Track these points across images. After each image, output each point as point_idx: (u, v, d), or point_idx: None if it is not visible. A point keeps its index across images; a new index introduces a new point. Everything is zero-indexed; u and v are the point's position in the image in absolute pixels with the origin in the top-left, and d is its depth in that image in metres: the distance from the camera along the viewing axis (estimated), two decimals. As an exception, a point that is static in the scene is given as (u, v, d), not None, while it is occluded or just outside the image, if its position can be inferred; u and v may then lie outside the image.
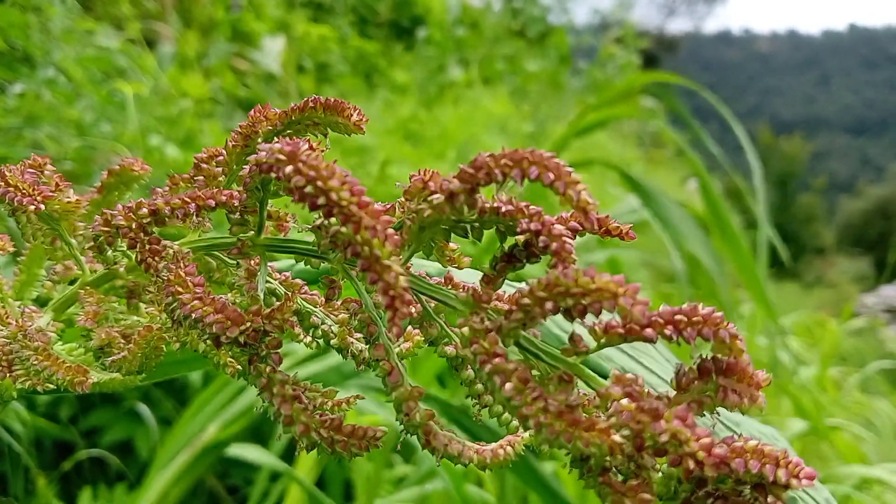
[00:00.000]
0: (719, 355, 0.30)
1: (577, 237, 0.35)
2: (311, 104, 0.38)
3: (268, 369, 0.34)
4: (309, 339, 0.39)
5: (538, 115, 4.87)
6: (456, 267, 0.38)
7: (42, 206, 0.38)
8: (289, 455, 1.61)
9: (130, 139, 2.23)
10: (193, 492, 1.99)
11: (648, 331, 0.30)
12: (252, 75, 3.89)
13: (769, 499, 0.27)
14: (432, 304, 0.35)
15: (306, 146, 0.30)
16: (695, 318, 0.29)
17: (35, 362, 0.38)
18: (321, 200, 0.29)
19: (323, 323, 0.38)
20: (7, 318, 0.41)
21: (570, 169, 0.32)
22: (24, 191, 0.38)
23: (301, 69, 4.53)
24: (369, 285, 0.28)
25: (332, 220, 0.29)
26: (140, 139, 2.23)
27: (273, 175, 0.30)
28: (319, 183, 0.29)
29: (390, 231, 0.29)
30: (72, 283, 0.45)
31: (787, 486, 0.27)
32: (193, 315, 0.32)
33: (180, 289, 0.33)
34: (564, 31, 7.94)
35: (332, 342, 0.38)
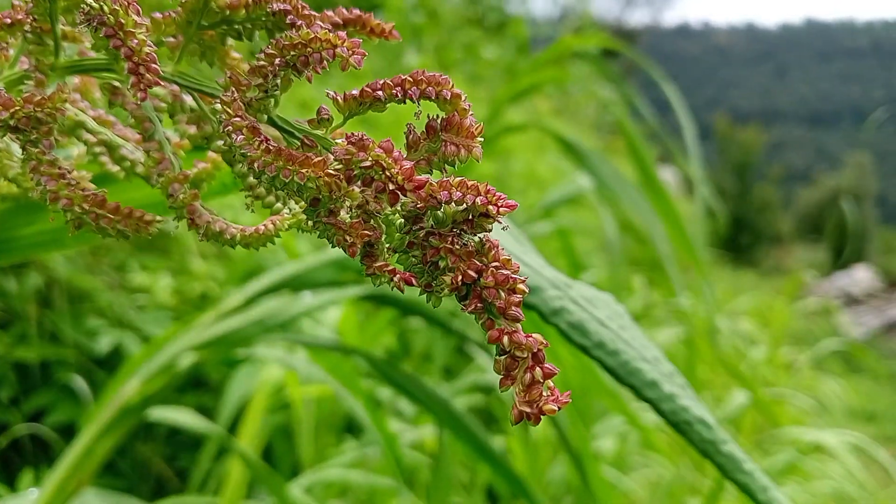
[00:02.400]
0: (445, 115, 0.32)
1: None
2: None
3: (37, 152, 0.35)
4: (117, 168, 0.39)
5: (494, 101, 4.88)
6: (238, 73, 0.39)
7: None
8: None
9: None
10: (141, 475, 1.97)
11: (378, 93, 0.32)
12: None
13: (477, 231, 0.29)
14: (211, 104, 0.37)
15: None
16: (419, 79, 0.31)
17: None
18: None
19: (133, 154, 0.39)
20: None
21: None
22: None
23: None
24: (112, 51, 0.29)
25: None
26: None
27: None
28: None
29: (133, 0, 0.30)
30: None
31: (487, 215, 0.29)
32: None
33: None
34: (522, 21, 7.97)
35: (138, 170, 0.38)
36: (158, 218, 0.34)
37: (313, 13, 0.34)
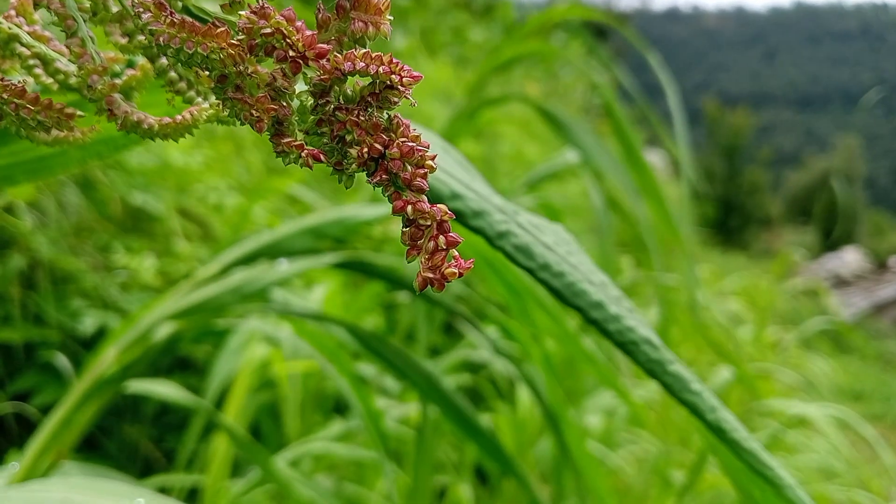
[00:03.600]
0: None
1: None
2: None
3: None
4: (50, 80, 0.39)
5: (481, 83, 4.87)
6: None
7: None
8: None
9: None
10: (128, 456, 1.97)
11: None
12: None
13: (383, 105, 0.29)
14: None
15: None
16: None
17: None
18: None
19: (66, 66, 0.38)
20: None
21: None
22: None
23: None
24: None
25: None
26: None
27: None
28: None
29: None
30: None
31: (392, 86, 0.28)
32: None
33: None
34: (509, 5, 7.95)
35: (72, 81, 0.38)
36: (79, 113, 0.34)
37: None
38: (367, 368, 1.78)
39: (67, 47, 0.34)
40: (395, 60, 0.28)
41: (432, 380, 1.09)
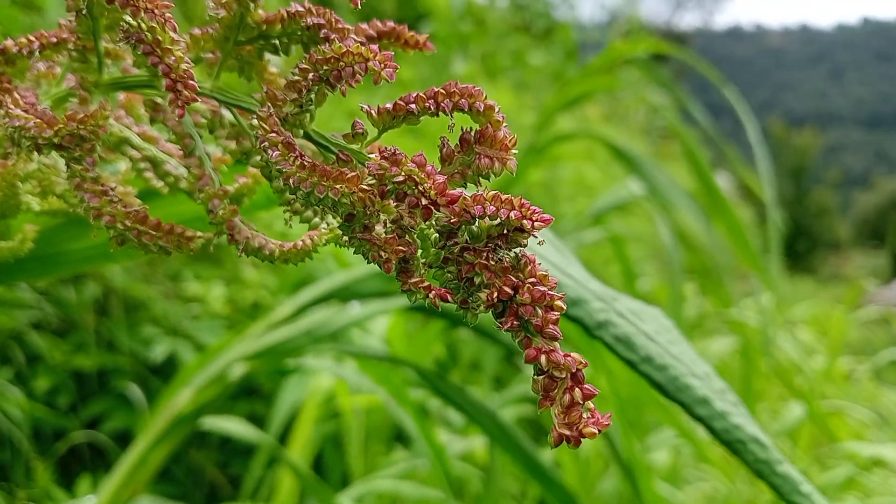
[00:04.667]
0: (479, 128, 0.32)
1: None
2: None
3: (80, 169, 0.35)
4: (161, 184, 0.39)
5: (542, 108, 4.86)
6: (275, 88, 0.39)
7: None
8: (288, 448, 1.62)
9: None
10: (194, 482, 2.00)
11: (412, 106, 0.32)
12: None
13: (512, 246, 0.29)
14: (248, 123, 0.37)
15: None
16: (452, 91, 0.31)
17: None
18: None
19: (177, 169, 0.39)
20: None
21: None
22: None
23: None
24: (151, 68, 0.29)
25: (126, 16, 0.31)
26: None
27: None
28: None
29: (169, 16, 0.30)
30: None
31: (521, 229, 0.28)
32: (18, 124, 0.33)
33: (11, 105, 0.34)
34: (569, 27, 7.92)
35: (181, 185, 0.39)
36: (199, 234, 0.35)
37: (347, 26, 0.35)
38: (432, 400, 1.77)
39: (186, 168, 0.35)
40: (524, 203, 0.28)
41: (495, 419, 1.08)
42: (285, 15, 0.36)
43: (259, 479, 1.66)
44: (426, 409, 1.74)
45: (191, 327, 1.94)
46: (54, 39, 0.37)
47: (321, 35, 0.34)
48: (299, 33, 0.36)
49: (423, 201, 0.29)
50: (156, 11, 0.30)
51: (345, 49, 0.31)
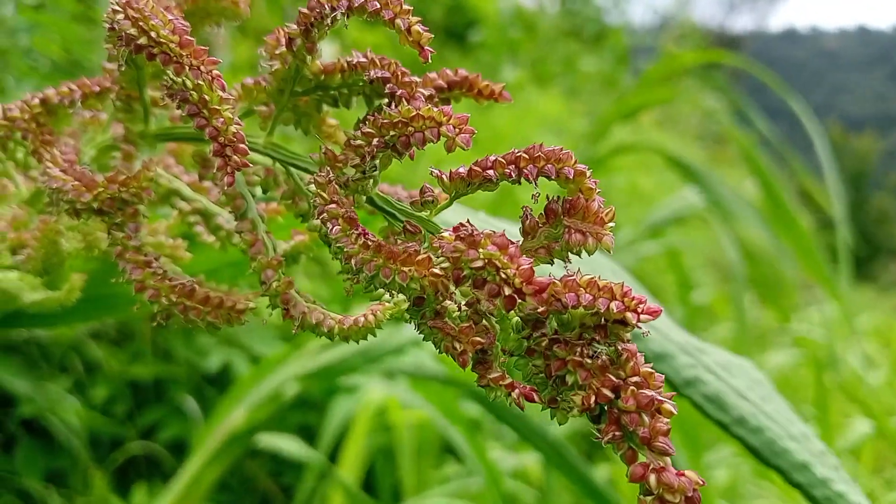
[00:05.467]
0: (568, 197, 0.28)
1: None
2: None
3: (122, 236, 0.33)
4: (212, 239, 0.38)
5: (593, 114, 4.81)
6: (333, 143, 0.36)
7: None
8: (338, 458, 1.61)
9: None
10: (247, 491, 2.01)
11: (489, 172, 0.29)
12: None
13: (611, 340, 0.25)
14: (306, 181, 0.34)
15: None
16: (536, 155, 0.28)
17: None
18: (143, 41, 0.29)
19: (228, 223, 0.37)
20: None
21: (400, 0, 0.31)
22: None
23: (355, 76, 4.56)
24: (198, 130, 0.27)
25: (169, 72, 0.29)
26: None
27: (109, 27, 0.30)
28: (142, 23, 0.29)
29: (216, 73, 0.28)
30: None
31: (624, 322, 0.24)
32: (56, 186, 0.32)
33: (51, 164, 0.32)
34: (621, 31, 7.83)
35: (234, 241, 0.37)
36: (251, 304, 0.33)
37: (414, 79, 0.32)
38: (484, 414, 1.75)
39: (238, 232, 0.33)
40: (627, 291, 0.24)
41: (547, 437, 1.05)
42: (345, 65, 0.33)
43: (312, 489, 1.66)
44: (478, 423, 1.71)
45: (245, 337, 1.96)
46: (97, 88, 0.35)
47: (386, 90, 0.32)
48: (360, 84, 0.34)
49: (507, 290, 0.25)
50: (202, 69, 0.28)
51: (414, 113, 0.28)
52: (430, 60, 0.32)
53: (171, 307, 0.32)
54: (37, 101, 0.35)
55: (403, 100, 0.31)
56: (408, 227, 0.30)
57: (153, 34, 0.28)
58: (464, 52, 6.20)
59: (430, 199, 0.30)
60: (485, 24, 6.55)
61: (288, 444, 1.08)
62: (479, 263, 0.25)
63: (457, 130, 0.27)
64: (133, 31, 0.28)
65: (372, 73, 0.32)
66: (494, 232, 0.27)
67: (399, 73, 0.32)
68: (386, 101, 0.33)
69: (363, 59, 0.33)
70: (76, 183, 0.31)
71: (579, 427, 2.05)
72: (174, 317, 0.32)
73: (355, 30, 4.77)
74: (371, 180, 0.31)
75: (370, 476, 1.88)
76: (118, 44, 0.29)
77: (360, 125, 0.32)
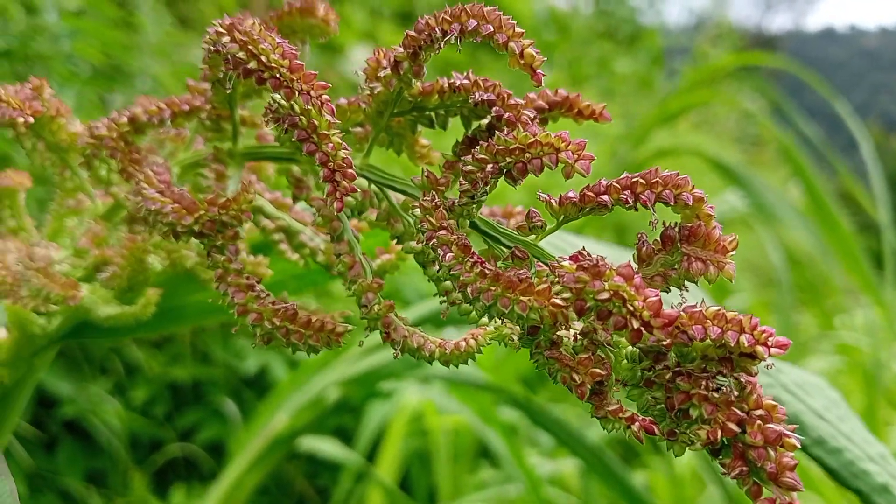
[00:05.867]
0: (685, 223, 0.27)
1: (550, 120, 0.33)
2: (287, 10, 0.38)
3: (223, 259, 0.33)
4: (296, 256, 0.37)
5: (629, 116, 4.76)
6: (426, 163, 0.36)
7: (31, 120, 0.38)
8: (374, 461, 1.61)
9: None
10: (284, 493, 2.02)
11: (604, 197, 0.28)
12: (341, 86, 3.96)
13: (737, 373, 0.24)
14: (400, 201, 0.34)
15: (249, 19, 0.30)
16: (653, 181, 0.27)
17: (35, 281, 0.38)
18: (252, 65, 0.29)
19: (311, 240, 0.37)
20: (21, 248, 0.41)
21: (513, 22, 0.30)
22: (15, 104, 0.38)
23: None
24: (308, 158, 0.27)
25: (276, 95, 0.28)
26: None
27: (213, 49, 0.30)
28: (251, 47, 0.29)
29: (325, 97, 0.28)
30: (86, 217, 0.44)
31: (753, 356, 0.23)
32: (153, 207, 0.31)
33: (145, 185, 0.32)
34: (656, 32, 7.76)
35: (318, 259, 0.37)
36: (348, 327, 0.32)
37: (518, 101, 0.31)
38: (520, 418, 1.74)
39: (337, 255, 0.33)
40: (754, 323, 0.23)
41: (584, 442, 1.04)
42: (445, 87, 0.33)
43: (348, 491, 1.66)
44: (515, 428, 1.70)
45: (281, 339, 1.97)
46: (186, 108, 0.35)
47: (493, 113, 0.31)
48: (459, 105, 0.33)
49: (634, 323, 0.24)
50: (311, 94, 0.28)
51: (532, 139, 0.27)
52: (542, 84, 0.31)
53: (273, 331, 0.31)
54: (125, 119, 0.35)
55: (518, 125, 0.30)
56: (516, 253, 0.29)
57: (263, 58, 0.28)
58: (498, 55, 6.19)
59: (538, 224, 0.30)
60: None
61: (329, 448, 1.08)
62: (606, 296, 0.24)
63: (575, 156, 0.26)
64: (242, 54, 0.28)
65: (476, 95, 0.32)
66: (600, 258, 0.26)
67: (504, 96, 0.31)
68: (485, 120, 0.33)
69: (466, 82, 0.33)
70: (176, 206, 0.31)
71: (616, 436, 2.03)
72: (276, 340, 0.32)
73: (388, 33, 4.79)
74: (477, 205, 0.30)
75: (405, 480, 1.88)
76: (225, 67, 0.29)
77: (464, 147, 0.31)
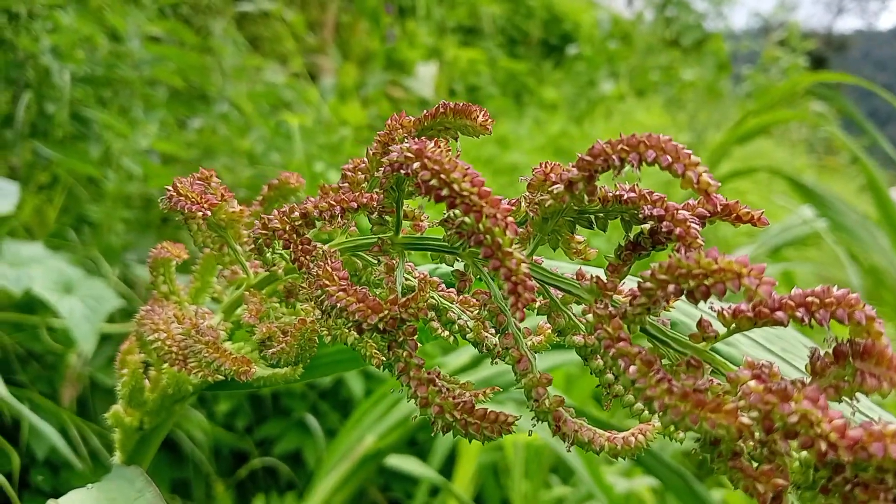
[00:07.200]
0: (856, 339, 0.28)
1: (707, 224, 0.35)
2: (441, 110, 0.41)
3: (405, 354, 0.36)
4: (446, 333, 0.40)
5: (696, 125, 4.70)
6: (583, 259, 0.38)
7: (209, 213, 0.42)
8: (447, 472, 1.64)
9: (297, 166, 2.36)
10: (358, 502, 2.06)
11: (779, 314, 0.29)
12: (406, 102, 4.02)
13: None
14: (559, 296, 0.36)
15: (432, 145, 0.33)
16: (828, 300, 0.28)
17: (206, 355, 0.42)
18: (445, 192, 0.31)
19: (459, 318, 0.39)
20: (183, 318, 0.45)
21: (689, 151, 0.32)
22: (193, 199, 0.42)
23: (452, 93, 4.63)
24: (492, 272, 0.29)
25: (457, 211, 0.31)
26: (305, 166, 2.36)
27: (403, 173, 0.32)
28: (443, 176, 0.31)
29: (510, 220, 0.30)
30: (239, 287, 0.48)
31: None
32: (338, 305, 0.34)
33: (327, 282, 0.35)
34: (722, 37, 7.62)
35: (467, 336, 0.39)
36: (518, 417, 0.35)
37: (686, 215, 0.32)
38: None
39: (504, 348, 0.35)
40: None
41: (661, 459, 1.04)
42: (609, 197, 0.35)
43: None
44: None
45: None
46: (355, 205, 0.38)
47: (663, 228, 0.33)
48: (620, 211, 0.35)
49: (822, 445, 0.25)
50: (497, 216, 0.30)
51: (716, 266, 0.28)
52: (718, 208, 0.34)
53: (454, 423, 0.34)
54: (297, 213, 0.38)
55: (687, 238, 0.32)
56: (691, 362, 0.31)
57: (456, 187, 0.30)
58: (560, 65, 6.18)
59: (711, 334, 0.31)
60: (580, 35, 6.51)
61: (409, 465, 1.11)
62: (795, 419, 0.26)
63: (757, 282, 0.28)
64: (435, 182, 0.31)
65: (646, 210, 0.34)
66: (801, 382, 0.27)
67: (673, 211, 0.33)
68: (646, 225, 0.35)
69: (633, 195, 0.34)
70: (361, 305, 0.34)
71: (688, 447, 2.01)
72: (455, 430, 0.35)
73: (452, 48, 4.83)
74: (651, 315, 0.32)
75: (479, 495, 1.90)
76: (418, 191, 0.32)
77: (628, 251, 0.33)
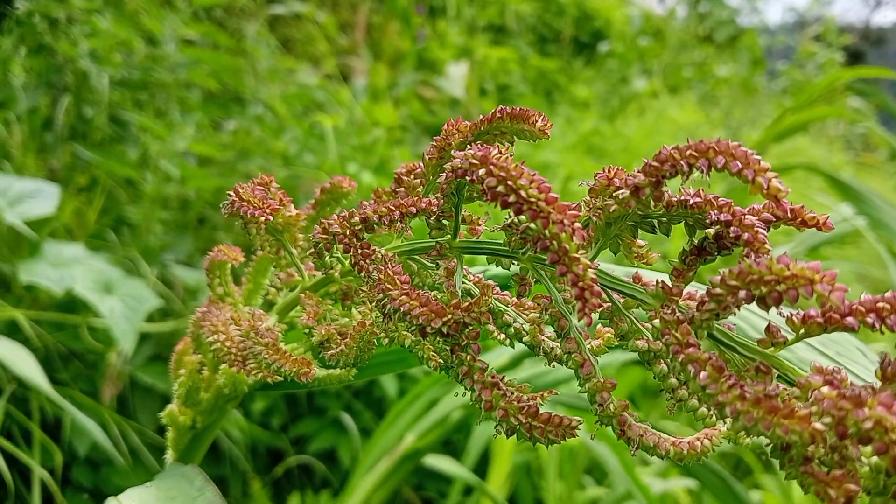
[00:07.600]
0: None
1: (772, 228, 0.34)
2: (498, 114, 0.41)
3: (468, 357, 0.36)
4: (502, 336, 0.40)
5: (730, 122, 4.64)
6: (645, 263, 0.38)
7: (271, 218, 0.43)
8: (481, 471, 1.64)
9: (330, 167, 2.38)
10: (392, 501, 2.07)
11: (849, 319, 0.29)
12: (437, 101, 4.03)
13: None
14: (621, 300, 0.36)
15: (496, 151, 0.33)
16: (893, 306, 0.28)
17: (266, 356, 0.43)
18: (511, 198, 0.31)
19: (515, 321, 0.39)
20: (239, 320, 0.46)
21: (758, 157, 0.32)
22: (255, 204, 0.43)
23: (483, 92, 4.63)
24: (558, 278, 0.29)
25: (522, 217, 0.31)
26: (339, 167, 2.38)
27: (467, 179, 0.33)
28: (510, 182, 0.31)
29: (577, 225, 0.30)
30: (293, 289, 0.49)
31: None
32: (402, 309, 0.35)
33: (389, 286, 0.35)
34: (756, 33, 7.52)
35: (524, 339, 0.39)
36: (581, 420, 0.35)
37: (753, 220, 0.32)
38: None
39: (566, 353, 0.36)
40: None
41: (705, 462, 1.03)
42: (674, 202, 0.35)
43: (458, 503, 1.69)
44: (624, 445, 1.70)
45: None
46: (413, 210, 0.39)
47: (730, 234, 0.33)
48: (684, 215, 0.35)
49: (895, 452, 0.25)
50: (565, 222, 0.30)
51: (788, 273, 0.28)
52: (788, 213, 0.34)
53: (518, 426, 0.34)
54: (357, 218, 0.39)
55: (756, 244, 0.32)
56: (760, 367, 0.31)
57: (523, 193, 0.31)
58: (591, 63, 6.14)
59: (780, 340, 0.31)
60: (611, 33, 6.47)
61: (446, 464, 1.11)
62: (869, 424, 0.26)
63: (830, 288, 0.28)
64: (501, 189, 0.31)
65: (712, 215, 0.33)
66: (871, 388, 0.27)
67: (740, 216, 0.33)
68: (710, 230, 0.35)
69: (699, 200, 0.34)
70: (424, 309, 0.34)
71: (723, 449, 1.99)
72: (518, 433, 0.35)
73: (483, 47, 4.83)
74: (719, 321, 0.32)
75: (512, 494, 1.89)
76: (485, 197, 0.32)
77: (693, 256, 0.33)
